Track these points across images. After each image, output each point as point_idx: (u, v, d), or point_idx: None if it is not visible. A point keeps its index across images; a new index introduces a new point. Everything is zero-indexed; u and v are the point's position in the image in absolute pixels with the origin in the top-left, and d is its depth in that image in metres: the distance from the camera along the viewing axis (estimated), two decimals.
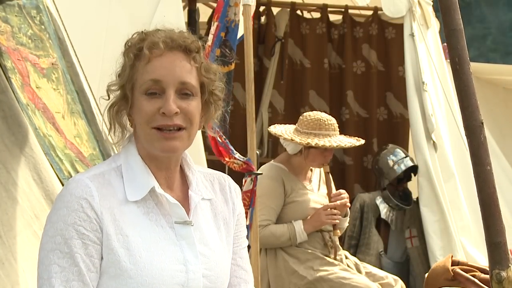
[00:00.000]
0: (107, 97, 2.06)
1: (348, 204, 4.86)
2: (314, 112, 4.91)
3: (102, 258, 1.97)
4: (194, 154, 4.25)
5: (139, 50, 2.01)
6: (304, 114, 4.86)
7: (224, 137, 3.85)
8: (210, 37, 3.82)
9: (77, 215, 1.94)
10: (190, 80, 2.02)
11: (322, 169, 4.92)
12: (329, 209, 4.73)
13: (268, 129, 5.08)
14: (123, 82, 2.03)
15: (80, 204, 1.95)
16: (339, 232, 4.83)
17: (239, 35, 3.97)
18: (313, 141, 4.67)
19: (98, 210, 1.96)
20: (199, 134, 2.17)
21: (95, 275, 1.96)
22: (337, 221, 4.75)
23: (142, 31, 2.06)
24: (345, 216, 4.88)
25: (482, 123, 1.76)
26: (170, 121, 1.98)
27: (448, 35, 1.76)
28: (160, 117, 1.99)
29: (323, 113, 4.88)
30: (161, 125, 1.99)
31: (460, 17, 1.77)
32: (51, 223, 1.97)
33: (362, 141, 4.87)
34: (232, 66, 3.90)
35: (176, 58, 2.01)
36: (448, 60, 6.62)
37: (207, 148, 5.24)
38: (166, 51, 2.01)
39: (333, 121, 4.81)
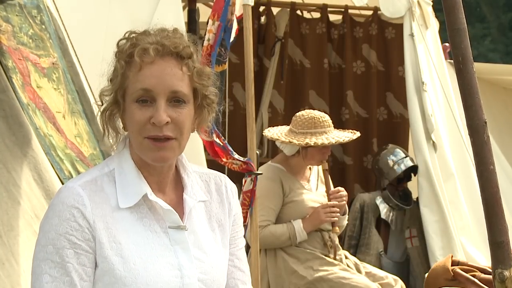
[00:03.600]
0: (100, 102, 2.04)
1: (346, 199, 4.85)
2: (307, 111, 4.91)
3: (96, 266, 1.96)
4: (194, 154, 4.27)
5: (130, 56, 1.98)
6: (297, 114, 4.86)
7: (223, 137, 3.85)
8: (212, 36, 3.81)
9: (69, 225, 1.93)
10: (182, 88, 1.99)
11: (320, 166, 4.92)
12: (327, 207, 4.73)
13: (263, 133, 5.07)
14: (115, 89, 2.00)
15: (71, 213, 1.93)
16: (338, 230, 4.83)
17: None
18: (311, 140, 4.68)
19: (90, 219, 1.95)
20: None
21: (88, 284, 1.95)
22: (336, 218, 4.75)
23: (132, 35, 2.03)
24: (344, 213, 4.88)
25: (486, 123, 1.76)
26: (160, 131, 1.96)
27: (451, 35, 1.76)
28: (151, 127, 1.97)
29: (315, 111, 4.89)
30: (152, 135, 1.97)
31: (464, 16, 1.77)
32: (43, 232, 1.96)
33: (358, 134, 4.88)
34: (225, 66, 3.89)
35: (167, 65, 1.98)
36: (448, 60, 6.67)
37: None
38: (157, 59, 1.97)
39: (326, 117, 4.82)
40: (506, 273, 1.77)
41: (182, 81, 2.00)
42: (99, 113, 2.04)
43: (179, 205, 2.07)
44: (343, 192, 4.83)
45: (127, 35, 2.04)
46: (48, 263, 1.92)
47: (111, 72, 2.03)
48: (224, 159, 3.88)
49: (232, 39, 3.94)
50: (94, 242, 1.94)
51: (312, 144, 4.67)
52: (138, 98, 1.97)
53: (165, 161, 2.01)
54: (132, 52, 1.98)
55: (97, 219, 1.95)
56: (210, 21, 3.88)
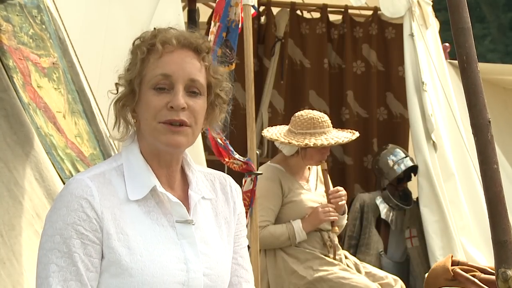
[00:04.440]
0: (115, 91, 2.08)
1: (345, 198, 4.84)
2: (306, 111, 4.91)
3: (103, 257, 1.97)
4: (194, 154, 4.26)
5: (152, 45, 2.04)
6: (296, 114, 4.86)
7: (224, 138, 3.86)
8: (212, 37, 3.83)
9: (77, 215, 1.95)
10: (199, 78, 2.05)
11: (319, 166, 4.92)
12: (326, 207, 4.73)
13: (262, 133, 5.07)
14: (132, 77, 2.04)
15: (80, 204, 1.95)
16: (337, 230, 4.83)
17: None
18: (311, 141, 4.67)
19: (98, 210, 1.96)
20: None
21: (94, 275, 1.96)
22: (335, 218, 4.75)
23: (154, 28, 2.09)
24: (343, 213, 4.88)
25: (490, 122, 1.76)
26: (176, 115, 2.00)
27: (455, 34, 1.76)
28: (167, 112, 2.00)
29: (314, 111, 4.88)
30: (168, 120, 2.00)
31: (468, 15, 1.78)
32: (50, 223, 1.97)
33: (357, 134, 4.88)
34: (233, 66, 3.91)
35: (187, 55, 2.05)
36: (448, 60, 6.66)
37: (207, 148, 5.24)
38: (178, 48, 2.04)
39: (325, 117, 4.81)
40: (509, 272, 1.77)
41: (200, 72, 2.05)
42: (112, 102, 2.06)
43: (186, 202, 2.09)
44: (342, 191, 4.83)
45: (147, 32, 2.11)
46: (55, 253, 1.94)
47: (128, 62, 2.07)
48: (227, 159, 3.90)
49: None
50: (101, 233, 1.96)
51: (312, 145, 4.67)
52: (157, 85, 2.02)
53: (178, 146, 2.04)
54: (154, 41, 2.04)
55: (105, 210, 1.97)
56: (212, 23, 3.90)
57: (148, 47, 2.04)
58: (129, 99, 2.05)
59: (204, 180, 2.18)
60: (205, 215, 2.13)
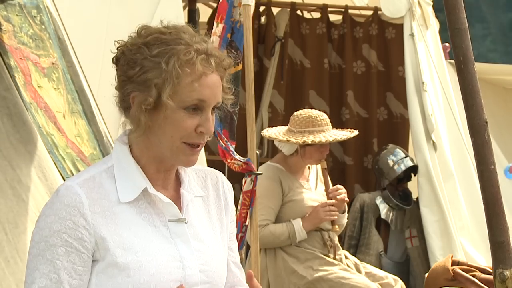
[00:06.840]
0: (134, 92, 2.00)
1: (347, 199, 4.86)
2: (305, 110, 4.92)
3: (99, 260, 1.98)
4: None
5: (188, 62, 1.97)
6: (295, 113, 4.87)
7: (225, 139, 3.87)
8: (215, 38, 3.83)
9: (64, 223, 1.95)
10: (221, 99, 2.05)
11: (319, 165, 4.92)
12: (327, 206, 4.73)
13: (262, 133, 5.08)
14: (163, 89, 1.96)
15: (68, 211, 1.96)
16: (337, 228, 4.83)
17: None
18: (309, 138, 4.68)
19: (88, 216, 1.97)
20: None
21: (78, 282, 1.97)
22: (336, 217, 4.75)
23: (180, 37, 2.00)
24: (343, 212, 4.89)
25: (486, 122, 1.77)
26: (202, 139, 2.01)
27: (452, 34, 1.77)
28: (195, 135, 2.00)
29: (313, 110, 4.90)
30: (195, 142, 2.01)
31: (465, 16, 1.78)
32: (37, 229, 1.98)
33: (356, 132, 4.88)
34: (240, 67, 3.93)
35: (218, 79, 2.02)
36: (448, 60, 6.67)
37: (207, 148, 5.24)
38: (214, 71, 2.01)
39: (324, 116, 4.82)
40: (507, 273, 1.78)
41: (221, 92, 2.05)
42: (137, 106, 1.99)
43: (177, 200, 2.10)
44: (342, 190, 4.83)
45: (165, 30, 2.02)
46: (39, 259, 1.95)
47: (147, 62, 1.99)
48: (228, 160, 3.92)
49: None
50: (91, 240, 1.97)
51: (310, 142, 4.68)
52: (190, 107, 1.99)
53: (194, 164, 2.06)
54: (191, 59, 1.97)
55: (95, 215, 1.98)
56: (215, 24, 3.90)
57: (183, 63, 1.96)
58: (148, 103, 1.98)
59: (196, 177, 2.18)
60: (197, 212, 2.14)
